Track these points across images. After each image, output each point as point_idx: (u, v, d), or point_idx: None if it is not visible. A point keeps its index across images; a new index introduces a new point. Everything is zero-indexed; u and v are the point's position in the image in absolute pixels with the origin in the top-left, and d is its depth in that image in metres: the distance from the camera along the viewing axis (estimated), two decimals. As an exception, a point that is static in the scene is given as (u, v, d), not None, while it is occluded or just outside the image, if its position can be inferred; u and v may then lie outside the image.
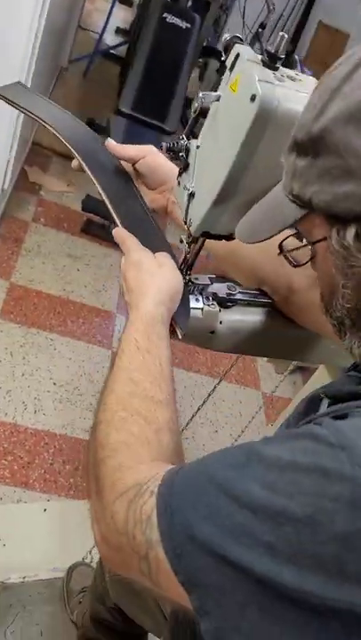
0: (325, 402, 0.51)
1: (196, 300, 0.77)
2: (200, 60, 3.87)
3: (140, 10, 2.88)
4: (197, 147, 0.68)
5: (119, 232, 0.78)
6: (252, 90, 0.56)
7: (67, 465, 1.77)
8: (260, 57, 0.58)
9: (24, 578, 1.37)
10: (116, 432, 0.55)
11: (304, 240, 0.55)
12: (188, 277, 0.77)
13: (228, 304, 0.80)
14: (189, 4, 2.79)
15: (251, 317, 0.82)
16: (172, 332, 0.69)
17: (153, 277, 0.68)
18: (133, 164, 0.87)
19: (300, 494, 0.37)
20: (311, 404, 0.53)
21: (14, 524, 1.52)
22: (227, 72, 0.61)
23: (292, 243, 0.58)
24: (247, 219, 0.58)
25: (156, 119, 2.66)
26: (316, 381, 1.12)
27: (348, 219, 0.45)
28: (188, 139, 0.69)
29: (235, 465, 0.42)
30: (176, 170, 0.84)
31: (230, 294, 0.79)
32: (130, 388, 0.58)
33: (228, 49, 0.60)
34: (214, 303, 0.78)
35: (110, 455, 0.53)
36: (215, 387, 1.34)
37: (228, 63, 0.60)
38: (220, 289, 0.80)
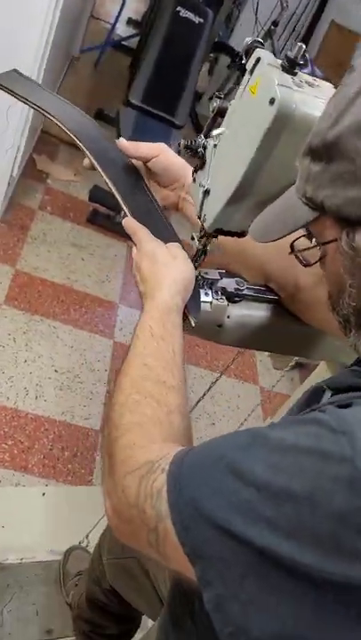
0: (328, 393, 0.53)
1: (206, 293, 0.80)
2: (211, 54, 3.88)
3: (153, 2, 2.88)
4: (215, 145, 0.70)
5: (130, 222, 0.79)
6: (272, 93, 0.58)
7: (66, 451, 1.79)
8: (279, 62, 0.60)
9: (22, 559, 1.40)
10: (129, 413, 0.58)
11: (314, 241, 0.57)
12: (198, 272, 0.79)
13: (236, 299, 0.82)
14: (203, -2, 2.79)
15: (257, 313, 0.84)
16: (185, 321, 0.71)
17: (168, 268, 0.71)
18: (145, 162, 0.88)
19: (301, 474, 0.40)
20: (314, 395, 0.56)
21: (13, 507, 1.55)
22: (247, 74, 0.63)
23: (302, 243, 0.61)
24: (261, 219, 0.61)
25: (166, 112, 2.68)
26: (316, 377, 1.15)
27: (357, 222, 0.48)
28: (206, 137, 0.71)
29: (241, 446, 0.45)
30: (188, 167, 0.86)
31: (238, 289, 0.82)
32: (144, 372, 0.61)
33: (249, 52, 0.62)
34: (223, 297, 0.81)
35: (124, 434, 0.56)
36: (216, 380, 1.36)
37: (249, 66, 0.62)
38: (229, 284, 0.82)
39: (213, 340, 0.84)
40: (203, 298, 0.79)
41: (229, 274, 0.84)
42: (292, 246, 0.60)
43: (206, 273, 0.80)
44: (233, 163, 0.65)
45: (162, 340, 0.63)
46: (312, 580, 0.38)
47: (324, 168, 0.49)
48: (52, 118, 0.88)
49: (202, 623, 0.63)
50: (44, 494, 1.62)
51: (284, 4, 2.96)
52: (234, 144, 0.66)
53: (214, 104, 0.69)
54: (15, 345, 2.00)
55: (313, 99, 0.58)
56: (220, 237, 0.77)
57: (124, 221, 0.80)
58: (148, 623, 1.22)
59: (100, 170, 0.84)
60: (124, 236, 0.79)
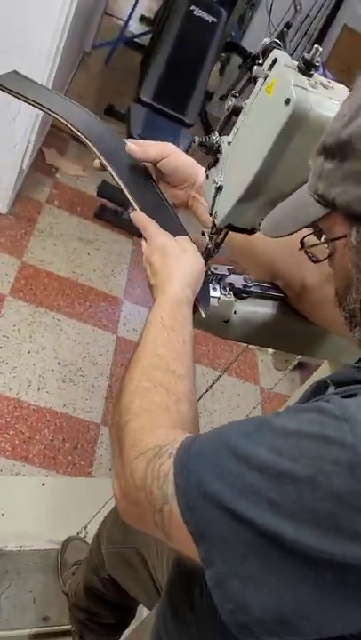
0: (332, 388, 0.55)
1: (214, 288, 0.81)
2: (223, 54, 3.89)
3: (166, 0, 2.89)
4: (229, 143, 0.71)
5: (139, 216, 0.80)
6: (287, 94, 0.59)
7: (66, 443, 1.81)
8: (296, 63, 0.62)
9: (20, 547, 1.42)
10: (139, 399, 0.59)
11: (323, 238, 0.59)
12: (207, 267, 0.81)
13: (243, 295, 0.83)
14: (217, -2, 2.81)
15: (263, 310, 0.86)
16: (195, 313, 0.73)
17: (178, 262, 0.72)
18: (155, 164, 0.88)
19: (303, 457, 0.42)
20: (318, 389, 0.58)
21: (13, 495, 1.57)
22: (263, 74, 0.64)
23: (311, 240, 0.62)
24: (272, 215, 0.62)
25: (176, 111, 2.69)
26: (318, 376, 1.16)
27: None
28: (220, 135, 0.73)
29: (247, 433, 0.46)
30: (197, 167, 0.87)
31: (246, 286, 0.83)
32: (154, 361, 0.62)
33: (266, 53, 0.64)
34: (230, 293, 0.82)
35: (133, 419, 0.58)
36: (217, 378, 1.37)
37: (265, 66, 0.63)
38: (237, 280, 0.83)
39: (220, 334, 0.86)
40: (211, 293, 0.80)
41: (238, 270, 0.85)
42: (302, 242, 0.61)
43: (215, 268, 0.82)
44: (247, 160, 0.66)
45: (172, 331, 0.65)
46: (311, 559, 0.40)
47: (336, 166, 0.50)
48: (59, 118, 0.89)
49: (202, 613, 0.65)
50: (44, 484, 1.64)
51: (298, 7, 2.97)
52: (248, 142, 0.67)
53: (229, 102, 0.70)
54: (19, 336, 2.01)
55: (327, 100, 0.60)
56: (229, 234, 0.78)
57: (132, 215, 0.81)
58: (143, 614, 1.23)
59: (108, 166, 0.85)
60: (131, 232, 0.80)
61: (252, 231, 0.75)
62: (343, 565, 0.40)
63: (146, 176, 0.89)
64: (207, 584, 0.45)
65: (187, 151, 2.55)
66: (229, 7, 3.45)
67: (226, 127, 0.73)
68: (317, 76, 0.62)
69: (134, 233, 0.83)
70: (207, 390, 1.37)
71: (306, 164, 0.56)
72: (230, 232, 0.77)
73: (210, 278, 0.81)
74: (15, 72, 0.93)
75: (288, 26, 3.06)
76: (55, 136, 2.90)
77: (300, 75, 0.61)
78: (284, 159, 0.63)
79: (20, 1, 1.78)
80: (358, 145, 0.48)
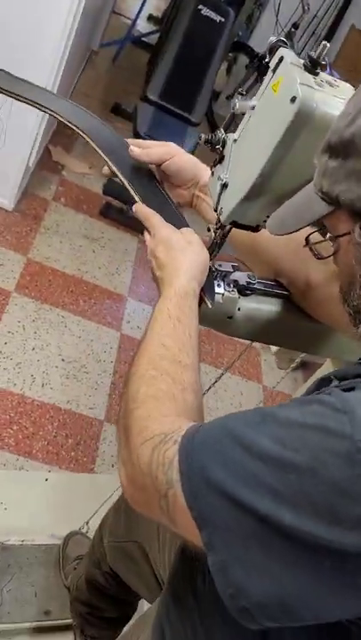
0: (335, 382, 0.56)
1: (218, 285, 0.82)
2: (230, 54, 3.89)
3: (174, -1, 2.90)
4: (234, 140, 0.72)
5: (141, 208, 0.80)
6: (293, 92, 0.60)
7: (69, 439, 1.82)
8: (302, 61, 0.62)
9: (23, 541, 1.43)
10: (146, 387, 0.60)
11: (328, 236, 0.59)
12: (212, 263, 0.81)
13: (247, 292, 0.84)
14: (225, -3, 2.81)
15: (267, 307, 0.86)
16: (201, 304, 0.74)
17: (184, 254, 0.73)
18: (158, 165, 0.89)
19: (304, 448, 0.43)
20: (321, 384, 0.58)
21: (16, 490, 1.58)
22: (269, 72, 0.65)
23: (316, 238, 0.63)
24: (278, 213, 0.63)
25: (183, 109, 2.70)
26: (321, 374, 1.17)
27: None
28: (226, 132, 0.73)
29: (251, 423, 0.48)
30: (201, 166, 0.88)
31: (250, 283, 0.84)
32: (161, 351, 0.63)
33: (272, 51, 0.64)
34: (234, 290, 0.82)
35: (139, 407, 0.59)
36: (220, 376, 1.38)
37: (272, 65, 0.64)
38: (241, 277, 0.84)
39: (223, 331, 0.86)
40: (215, 289, 0.81)
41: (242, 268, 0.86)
42: (307, 240, 0.62)
43: (220, 265, 0.82)
44: (252, 158, 0.67)
45: (178, 323, 0.66)
46: (311, 547, 0.41)
47: (340, 164, 0.51)
48: (57, 116, 0.89)
49: (204, 600, 0.66)
50: (46, 480, 1.65)
51: (306, 7, 2.97)
52: (254, 140, 0.68)
53: (236, 101, 0.71)
54: (24, 332, 2.02)
55: (333, 98, 0.60)
56: (234, 232, 0.79)
57: (135, 207, 0.81)
58: (144, 608, 1.24)
59: (109, 163, 0.85)
60: (137, 230, 0.80)
61: (256, 228, 0.75)
62: (341, 553, 0.41)
63: (149, 176, 0.89)
64: (209, 569, 0.46)
65: (193, 151, 2.56)
66: (237, 7, 3.45)
67: (232, 125, 0.73)
68: (323, 75, 0.63)
69: (139, 231, 0.83)
70: (210, 388, 1.37)
71: (311, 162, 0.57)
72: (235, 230, 0.78)
73: (214, 275, 0.81)
74: (2, 70, 0.93)
75: (296, 26, 3.05)
76: (61, 134, 2.91)
77: (307, 73, 0.61)
78: (290, 157, 0.63)
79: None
80: None
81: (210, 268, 0.78)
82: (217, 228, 0.78)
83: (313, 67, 0.61)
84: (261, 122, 0.66)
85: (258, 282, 0.85)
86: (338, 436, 0.42)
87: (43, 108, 0.90)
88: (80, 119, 0.91)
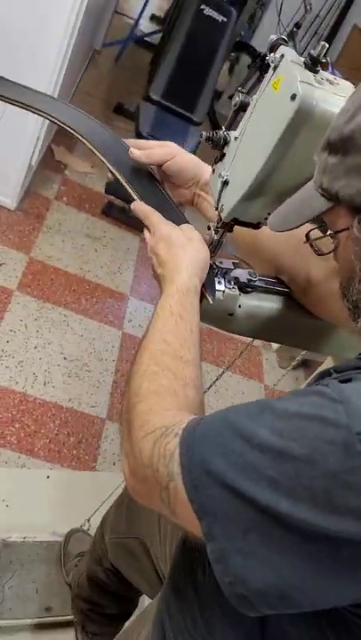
0: (334, 375, 0.56)
1: (219, 282, 0.82)
2: (232, 54, 3.90)
3: (177, -1, 2.90)
4: (235, 138, 0.72)
5: (140, 206, 0.81)
6: (293, 89, 0.60)
7: (71, 437, 1.83)
8: (302, 59, 0.63)
9: (24, 538, 1.43)
10: (148, 382, 0.61)
11: (328, 233, 0.60)
12: (212, 260, 0.82)
13: (248, 289, 0.84)
14: (227, -3, 2.81)
15: (268, 304, 0.87)
16: (202, 300, 0.75)
17: (185, 251, 0.74)
18: (159, 166, 0.89)
19: (301, 438, 0.44)
20: (321, 377, 0.59)
21: (18, 487, 1.59)
22: (270, 70, 0.65)
23: (317, 234, 0.63)
24: (279, 211, 0.64)
25: (185, 109, 2.70)
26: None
27: None
28: (228, 130, 0.74)
29: (250, 415, 0.48)
30: (202, 165, 0.88)
31: (251, 280, 0.84)
32: (162, 347, 0.64)
33: (273, 49, 0.65)
34: (235, 287, 0.83)
35: (141, 401, 0.60)
36: (221, 374, 1.38)
37: (273, 63, 0.64)
38: (242, 274, 0.84)
39: (224, 328, 0.87)
40: (216, 286, 0.81)
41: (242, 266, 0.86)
42: (307, 236, 0.63)
43: (221, 262, 0.83)
44: (253, 155, 0.67)
45: (180, 319, 0.67)
46: (307, 534, 0.42)
47: (340, 160, 0.52)
48: (54, 120, 0.89)
49: (204, 592, 0.67)
50: (48, 477, 1.65)
51: (308, 7, 2.97)
52: (254, 137, 0.68)
53: (237, 98, 0.71)
54: (26, 331, 2.03)
55: (333, 96, 0.61)
56: (235, 230, 0.79)
57: (133, 205, 0.82)
58: (145, 604, 1.24)
59: (105, 162, 0.85)
60: (138, 229, 0.80)
61: (257, 225, 0.76)
62: (336, 540, 0.41)
63: (149, 177, 0.90)
64: (209, 559, 0.46)
65: (195, 150, 2.56)
66: (240, 7, 3.46)
67: (233, 123, 0.74)
68: (323, 73, 0.63)
69: (141, 230, 0.83)
70: (211, 386, 1.38)
71: (311, 160, 0.57)
72: (236, 228, 0.78)
73: (215, 272, 0.82)
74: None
75: (298, 25, 3.05)
76: (64, 133, 2.87)
77: (307, 71, 0.62)
78: (290, 154, 0.64)
79: (31, -2, 1.80)
80: (360, 139, 0.50)
81: (210, 266, 0.78)
82: (218, 226, 0.78)
83: (313, 64, 0.62)
84: (262, 119, 0.67)
85: (259, 279, 0.86)
86: (334, 425, 0.43)
87: (39, 112, 0.90)
88: (76, 121, 0.91)
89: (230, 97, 4.13)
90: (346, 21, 3.92)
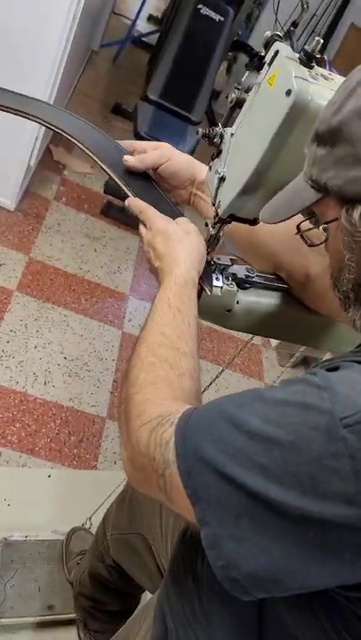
0: (323, 364, 0.57)
1: (217, 278, 0.82)
2: (230, 53, 3.90)
3: (174, -1, 2.91)
4: (231, 134, 0.73)
5: (135, 201, 0.81)
6: (288, 85, 0.61)
7: (72, 436, 1.83)
8: (297, 55, 0.63)
9: (26, 537, 1.44)
10: (145, 374, 0.62)
11: (321, 227, 0.60)
12: (210, 257, 0.82)
13: (246, 285, 0.85)
14: (224, -4, 2.82)
15: (266, 300, 0.87)
16: (200, 293, 0.75)
17: (182, 244, 0.74)
18: (154, 170, 0.89)
19: (287, 425, 0.45)
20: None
21: (19, 486, 1.59)
22: (265, 66, 0.65)
23: (308, 225, 0.64)
24: (270, 203, 0.64)
25: (183, 108, 2.71)
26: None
27: (355, 200, 0.52)
28: (224, 126, 0.74)
29: (242, 403, 0.50)
30: (197, 165, 0.89)
31: (249, 276, 0.85)
32: (160, 339, 0.65)
33: (268, 45, 0.65)
34: (233, 283, 0.83)
35: (138, 392, 0.61)
36: (220, 372, 1.39)
37: (268, 58, 0.65)
38: (240, 270, 0.85)
39: (223, 324, 0.87)
40: (214, 282, 0.81)
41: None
42: (298, 228, 0.63)
43: (218, 258, 0.83)
44: (249, 151, 0.68)
45: (178, 312, 0.68)
46: (295, 519, 0.43)
47: (328, 152, 0.53)
48: (46, 124, 0.89)
49: (203, 582, 0.67)
50: (49, 476, 1.66)
51: (305, 6, 2.98)
52: (250, 133, 0.69)
53: (233, 95, 0.72)
54: (26, 331, 2.04)
55: (328, 91, 0.61)
56: (232, 226, 0.79)
57: (127, 201, 0.82)
58: (147, 600, 1.25)
59: (99, 163, 0.86)
60: (138, 228, 0.81)
61: (254, 222, 0.76)
62: (322, 524, 0.42)
63: (144, 176, 0.90)
64: (203, 545, 0.47)
65: (193, 150, 2.57)
66: (237, 6, 3.47)
67: (230, 119, 0.74)
68: (318, 68, 0.63)
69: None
70: (211, 384, 1.38)
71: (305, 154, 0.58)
72: (233, 225, 0.78)
73: (213, 268, 0.82)
74: None
75: (295, 24, 3.06)
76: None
77: (302, 66, 0.62)
78: (286, 149, 0.64)
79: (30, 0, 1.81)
80: (347, 131, 0.51)
81: (208, 262, 0.79)
82: (215, 223, 0.79)
83: (308, 60, 0.62)
84: (257, 115, 0.67)
85: (256, 275, 0.86)
86: (318, 411, 0.44)
87: (32, 118, 0.91)
88: (68, 124, 0.92)
89: (228, 96, 4.14)
90: (343, 20, 3.93)
